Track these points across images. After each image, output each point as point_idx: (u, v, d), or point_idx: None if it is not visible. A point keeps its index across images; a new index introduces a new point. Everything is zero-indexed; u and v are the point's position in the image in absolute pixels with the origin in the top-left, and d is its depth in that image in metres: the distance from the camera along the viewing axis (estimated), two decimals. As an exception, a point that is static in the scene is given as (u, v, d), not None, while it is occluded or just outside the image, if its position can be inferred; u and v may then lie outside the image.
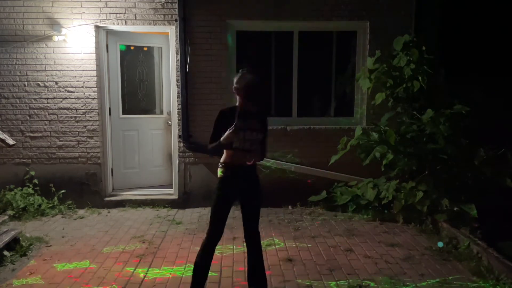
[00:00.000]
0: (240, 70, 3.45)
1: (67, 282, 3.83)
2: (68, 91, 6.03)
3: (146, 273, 4.00)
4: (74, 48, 5.95)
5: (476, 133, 5.29)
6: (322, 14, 6.12)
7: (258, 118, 3.44)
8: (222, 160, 3.41)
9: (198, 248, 4.58)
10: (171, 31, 6.09)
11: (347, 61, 6.49)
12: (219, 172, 3.41)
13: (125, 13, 5.94)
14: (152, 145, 6.70)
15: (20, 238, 4.63)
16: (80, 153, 6.11)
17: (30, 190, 5.90)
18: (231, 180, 3.37)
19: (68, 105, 6.05)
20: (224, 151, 3.38)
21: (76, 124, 6.08)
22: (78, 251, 4.56)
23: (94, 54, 6.00)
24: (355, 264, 4.21)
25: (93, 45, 5.99)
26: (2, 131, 5.56)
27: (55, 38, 5.86)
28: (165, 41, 6.44)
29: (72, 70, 5.99)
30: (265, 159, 6.07)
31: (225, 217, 3.41)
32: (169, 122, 6.51)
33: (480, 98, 5.82)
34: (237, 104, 3.41)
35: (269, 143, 6.12)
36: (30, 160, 6.07)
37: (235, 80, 3.38)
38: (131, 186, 6.53)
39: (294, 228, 5.29)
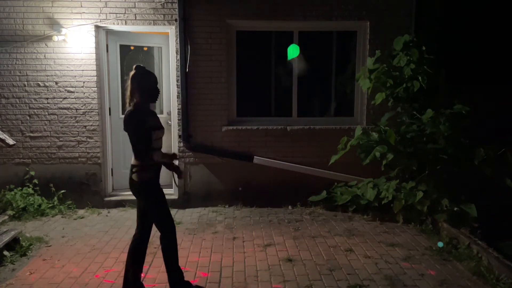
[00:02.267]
0: (138, 68, 3.33)
1: (67, 282, 3.84)
2: (68, 91, 6.03)
3: (146, 273, 4.00)
4: (74, 48, 5.95)
5: (476, 133, 5.29)
6: (322, 14, 6.12)
7: (156, 115, 3.49)
8: (137, 163, 3.28)
9: (197, 248, 4.61)
10: (171, 31, 6.09)
11: (347, 61, 6.49)
12: (140, 175, 3.28)
13: (125, 13, 5.94)
14: (152, 145, 6.68)
15: (20, 238, 4.63)
16: (80, 153, 6.11)
17: (30, 190, 5.90)
18: (157, 180, 3.40)
19: (68, 105, 6.05)
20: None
21: (76, 124, 6.08)
22: (78, 251, 4.56)
23: (94, 54, 6.00)
24: (355, 264, 4.21)
25: (93, 45, 5.99)
26: (2, 131, 5.57)
27: (55, 38, 5.86)
28: (165, 41, 6.44)
29: (72, 70, 5.99)
30: (265, 159, 6.18)
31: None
32: (169, 122, 6.51)
33: (481, 98, 5.82)
34: (134, 103, 3.27)
35: (269, 142, 6.26)
36: (30, 160, 6.07)
37: (139, 79, 3.27)
38: (131, 186, 6.52)
39: (294, 228, 5.29)
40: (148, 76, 3.35)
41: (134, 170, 3.31)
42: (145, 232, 3.50)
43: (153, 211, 3.40)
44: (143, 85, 3.28)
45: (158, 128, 3.39)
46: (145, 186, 3.33)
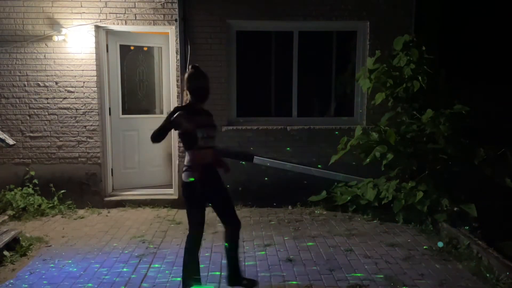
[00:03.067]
0: (194, 67, 3.45)
1: (67, 282, 3.83)
2: (68, 91, 6.03)
3: (146, 273, 4.00)
4: (74, 48, 5.95)
5: (476, 133, 5.29)
6: (322, 14, 6.12)
7: (208, 114, 3.53)
8: (187, 163, 3.36)
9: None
10: (171, 31, 6.09)
11: (347, 61, 6.48)
12: (187, 176, 3.33)
13: (125, 13, 5.94)
14: (152, 145, 6.65)
15: (20, 238, 4.62)
16: (80, 153, 6.11)
17: (30, 190, 5.90)
18: (201, 182, 3.34)
19: (68, 105, 6.05)
20: (189, 152, 3.36)
21: (76, 124, 6.08)
22: (78, 251, 4.55)
23: (94, 54, 6.00)
24: (355, 264, 4.21)
25: (93, 45, 5.99)
26: (2, 131, 5.56)
27: (55, 38, 5.86)
28: (165, 41, 6.44)
29: (72, 70, 5.99)
30: (265, 159, 6.18)
31: (204, 218, 3.46)
32: (169, 122, 6.50)
33: (481, 98, 5.82)
34: (187, 102, 3.44)
35: (269, 143, 6.25)
36: (30, 160, 6.07)
37: (189, 79, 3.39)
38: (131, 186, 6.53)
39: (294, 228, 5.29)
40: (198, 76, 3.42)
41: (183, 169, 3.38)
42: (234, 222, 3.56)
43: (188, 211, 3.45)
44: (193, 85, 3.39)
45: (205, 126, 3.39)
46: (186, 186, 3.37)
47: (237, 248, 3.66)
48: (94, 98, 6.04)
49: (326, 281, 3.83)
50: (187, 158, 3.40)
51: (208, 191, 3.42)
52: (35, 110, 6.04)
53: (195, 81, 3.40)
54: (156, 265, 4.19)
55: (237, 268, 3.66)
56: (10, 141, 5.05)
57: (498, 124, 5.94)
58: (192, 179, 3.31)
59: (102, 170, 6.19)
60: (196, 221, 3.45)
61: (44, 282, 3.83)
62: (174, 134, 6.28)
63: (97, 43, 6.04)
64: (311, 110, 6.56)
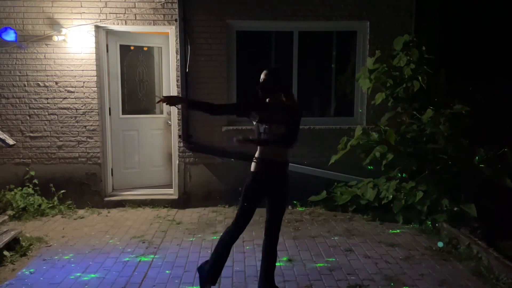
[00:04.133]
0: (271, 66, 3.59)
1: (67, 282, 3.83)
2: (68, 91, 6.03)
3: (146, 273, 4.00)
4: (74, 48, 5.95)
5: (476, 133, 5.29)
6: (322, 14, 6.12)
7: (283, 111, 3.37)
8: (256, 154, 3.40)
9: (197, 248, 4.61)
10: (171, 31, 6.09)
11: (347, 61, 6.49)
12: (252, 165, 3.39)
13: (125, 13, 5.94)
14: (152, 145, 6.69)
15: (20, 238, 4.63)
16: (80, 153, 6.11)
17: (30, 190, 5.90)
18: (263, 175, 3.36)
19: (68, 105, 6.05)
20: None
21: (76, 124, 6.08)
22: (78, 251, 4.56)
23: (94, 54, 6.00)
24: (355, 264, 4.21)
25: (93, 45, 5.98)
26: (2, 131, 5.56)
27: (55, 38, 5.85)
28: (165, 41, 6.44)
29: (72, 70, 5.99)
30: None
31: (251, 212, 3.40)
32: (169, 122, 6.51)
33: (480, 97, 5.82)
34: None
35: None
36: (30, 160, 6.07)
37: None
38: (131, 186, 6.53)
39: (294, 228, 5.29)
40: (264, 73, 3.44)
41: (253, 159, 3.40)
42: (276, 226, 3.47)
43: (242, 203, 3.41)
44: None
45: (271, 122, 3.34)
46: (250, 176, 3.39)
47: (275, 252, 3.50)
48: (94, 98, 6.04)
49: (326, 281, 3.84)
50: (258, 151, 3.41)
51: (270, 187, 3.39)
52: (35, 110, 6.04)
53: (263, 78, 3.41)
54: (156, 265, 4.19)
55: (271, 275, 3.47)
56: (10, 141, 5.05)
57: (498, 124, 5.94)
58: (256, 170, 3.35)
59: (102, 170, 6.19)
60: (246, 216, 3.38)
61: (44, 282, 3.84)
62: (174, 133, 6.29)
63: (97, 43, 6.04)
64: (311, 110, 6.56)
